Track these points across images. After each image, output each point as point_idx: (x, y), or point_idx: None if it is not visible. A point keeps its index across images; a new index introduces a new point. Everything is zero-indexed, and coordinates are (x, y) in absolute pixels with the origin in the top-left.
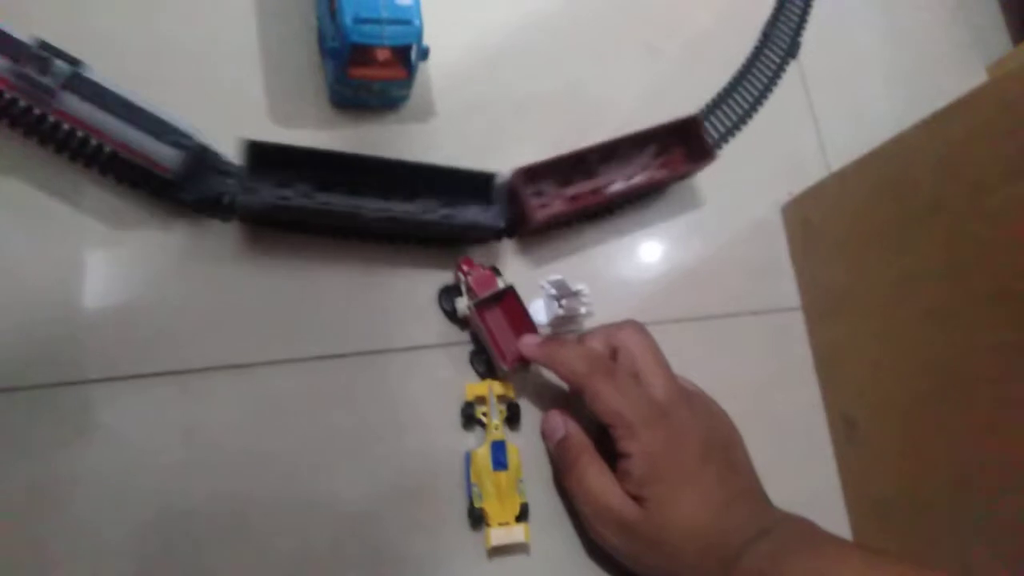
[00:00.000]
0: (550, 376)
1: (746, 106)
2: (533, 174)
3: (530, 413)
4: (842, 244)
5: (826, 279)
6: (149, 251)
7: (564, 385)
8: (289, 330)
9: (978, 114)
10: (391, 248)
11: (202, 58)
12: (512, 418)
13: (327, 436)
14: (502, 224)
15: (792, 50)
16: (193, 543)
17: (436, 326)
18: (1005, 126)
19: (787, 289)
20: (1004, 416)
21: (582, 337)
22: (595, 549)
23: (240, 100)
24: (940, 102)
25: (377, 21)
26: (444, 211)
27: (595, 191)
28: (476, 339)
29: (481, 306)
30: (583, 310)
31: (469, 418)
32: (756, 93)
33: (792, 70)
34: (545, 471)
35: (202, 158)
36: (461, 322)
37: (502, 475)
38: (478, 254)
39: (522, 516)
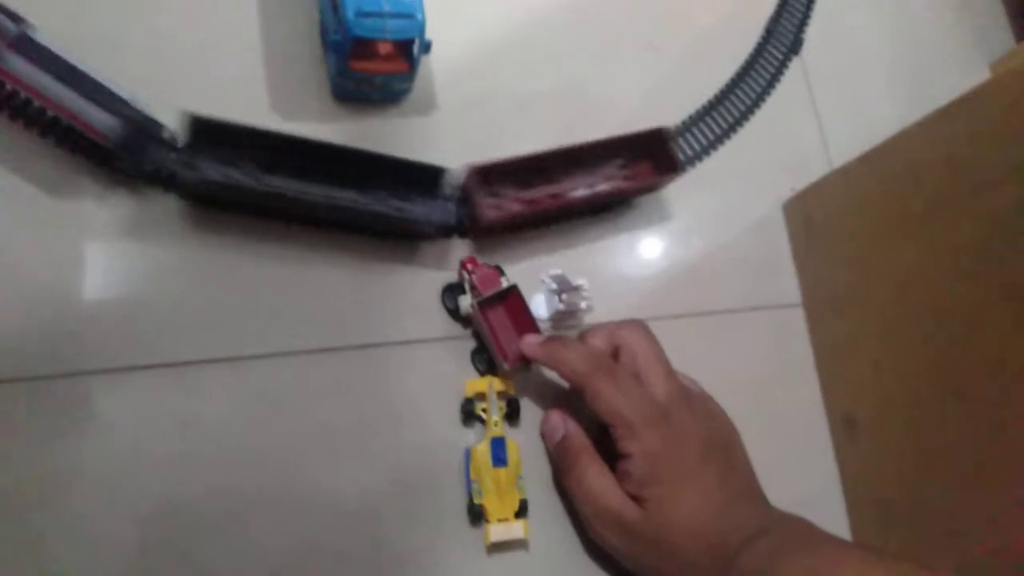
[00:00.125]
0: (551, 374)
1: (749, 102)
2: (488, 174)
3: (530, 409)
4: (844, 241)
5: (828, 276)
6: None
7: (564, 383)
8: (287, 323)
9: (981, 111)
10: (390, 241)
11: (204, 52)
12: (512, 414)
13: (325, 430)
14: (451, 221)
15: (795, 46)
16: (190, 535)
17: (435, 320)
18: (1009, 123)
19: (788, 286)
20: (1005, 415)
21: (585, 333)
22: (594, 546)
23: (242, 93)
24: (943, 99)
25: (379, 15)
26: (395, 203)
27: (555, 196)
28: (478, 337)
29: (484, 305)
30: (584, 305)
31: (469, 414)
32: (759, 89)
33: (795, 67)
34: (544, 467)
35: (146, 129)
36: (464, 320)
37: (502, 471)
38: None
39: (521, 512)
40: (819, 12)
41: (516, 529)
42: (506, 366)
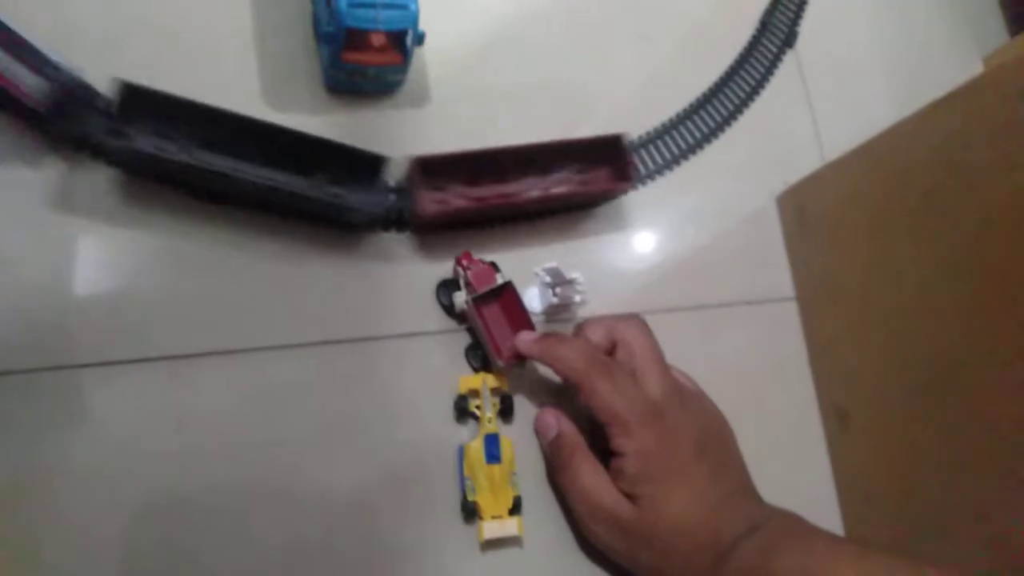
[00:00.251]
0: (544, 370)
1: (743, 95)
2: (430, 166)
3: (524, 406)
4: (837, 234)
5: (821, 269)
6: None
7: (558, 379)
8: (280, 316)
9: (975, 105)
10: (384, 235)
11: (196, 42)
12: (505, 411)
13: (319, 424)
14: (389, 212)
15: (789, 40)
16: (182, 529)
17: (428, 313)
18: (1002, 116)
19: (782, 279)
20: (998, 408)
21: (583, 326)
22: (588, 543)
23: (234, 84)
24: (936, 93)
25: (372, 5)
26: (333, 190)
27: (505, 195)
28: (473, 334)
29: (479, 301)
30: (578, 298)
31: (462, 411)
32: (753, 82)
33: (789, 60)
34: (538, 464)
35: (78, 94)
36: (458, 317)
37: (495, 468)
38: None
39: (515, 509)
40: (813, 5)
41: (510, 526)
42: (500, 363)
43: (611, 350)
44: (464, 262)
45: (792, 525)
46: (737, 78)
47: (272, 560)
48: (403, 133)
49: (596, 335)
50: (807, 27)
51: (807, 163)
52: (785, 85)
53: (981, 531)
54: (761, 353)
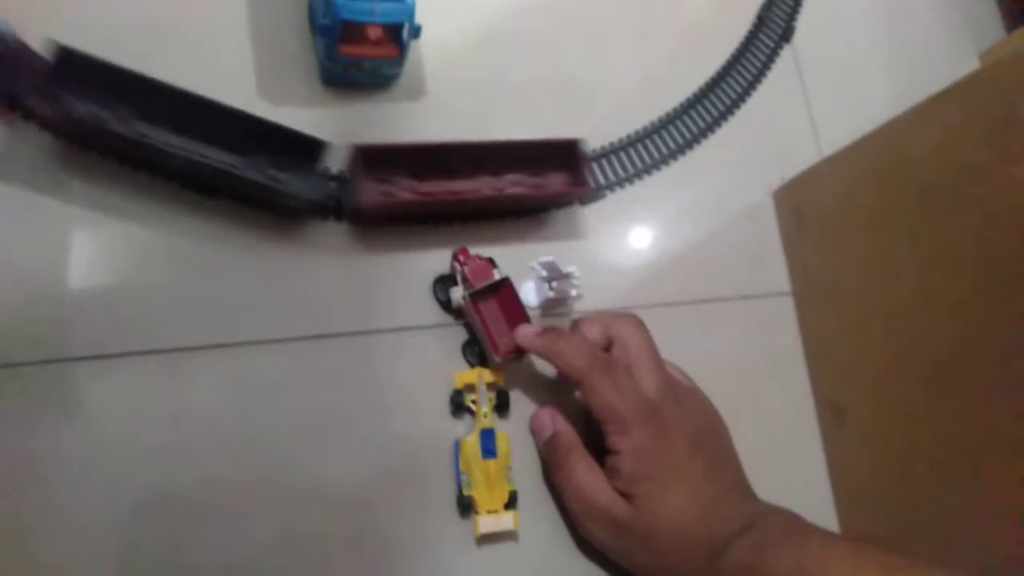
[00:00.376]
0: (540, 366)
1: (740, 90)
2: (374, 156)
3: (520, 401)
4: (834, 229)
5: (817, 265)
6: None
7: (554, 375)
8: (276, 309)
9: (972, 100)
10: (377, 227)
11: (192, 34)
12: (501, 406)
13: (315, 418)
14: (327, 199)
15: (786, 34)
16: (177, 523)
17: (424, 307)
18: (999, 112)
19: (778, 274)
20: (993, 403)
21: (579, 322)
22: (583, 538)
23: (229, 76)
24: (933, 88)
25: None
26: (273, 172)
27: (454, 193)
28: (469, 329)
29: (476, 297)
30: (574, 293)
31: (458, 406)
32: (750, 78)
33: (786, 55)
34: (534, 459)
35: (11, 56)
36: (455, 312)
37: (491, 463)
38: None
39: (511, 504)
40: (810, 1)
41: (505, 521)
42: (497, 358)
43: (607, 347)
44: (461, 257)
45: (787, 523)
46: (734, 73)
47: (267, 554)
48: (399, 127)
49: (592, 332)
50: (804, 22)
51: (804, 158)
52: (782, 80)
53: (976, 528)
54: (757, 348)
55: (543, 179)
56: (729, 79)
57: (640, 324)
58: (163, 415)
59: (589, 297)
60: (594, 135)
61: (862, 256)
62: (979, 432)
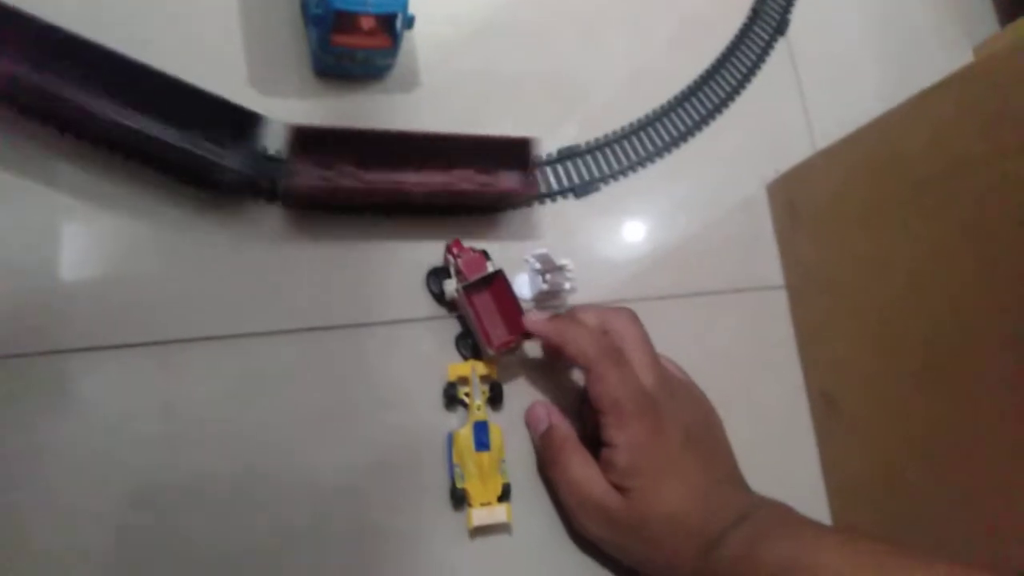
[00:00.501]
0: (534, 358)
1: (734, 83)
2: (312, 138)
3: (513, 394)
4: (827, 222)
5: (810, 257)
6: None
7: (548, 368)
8: (268, 302)
9: (965, 94)
10: (371, 220)
11: (183, 24)
12: (495, 398)
13: (308, 410)
14: (252, 174)
15: (781, 27)
16: (170, 515)
17: (417, 300)
18: (993, 105)
19: (771, 267)
20: (986, 396)
21: (574, 311)
22: (577, 531)
23: (221, 67)
24: (927, 82)
25: None
26: (207, 145)
27: (398, 184)
28: (463, 322)
29: (469, 289)
30: (567, 285)
31: (452, 399)
32: (744, 70)
33: (781, 47)
34: (528, 452)
35: None
36: (449, 305)
37: (484, 455)
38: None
39: (504, 496)
40: None
41: (499, 513)
42: (491, 351)
43: None
44: (455, 250)
45: (780, 514)
46: (728, 66)
47: (260, 545)
48: (392, 118)
49: (588, 322)
50: (798, 15)
51: (798, 151)
52: (776, 73)
53: (968, 520)
54: (750, 341)
55: (493, 177)
56: (723, 72)
57: (635, 318)
58: (156, 406)
59: (583, 290)
60: (588, 127)
61: (855, 249)
62: (971, 424)
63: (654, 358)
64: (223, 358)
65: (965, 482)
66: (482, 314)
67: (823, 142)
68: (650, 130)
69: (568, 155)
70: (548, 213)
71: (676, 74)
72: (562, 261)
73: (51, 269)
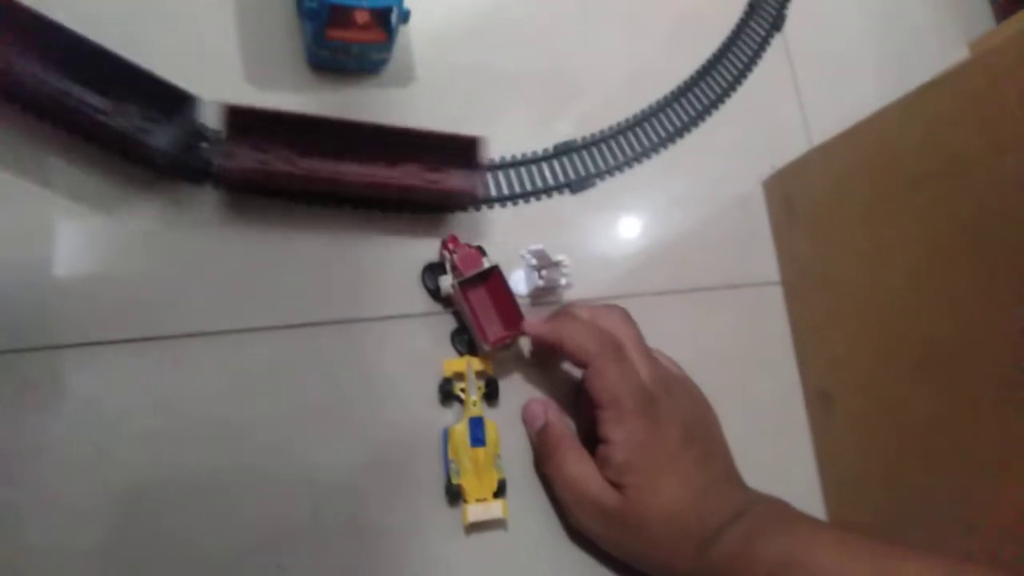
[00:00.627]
0: (529, 354)
1: (730, 78)
2: (245, 120)
3: (509, 390)
4: (823, 218)
5: (806, 253)
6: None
7: (544, 364)
8: (264, 297)
9: (961, 90)
10: (367, 215)
11: (177, 17)
12: (490, 394)
13: (303, 406)
14: (180, 153)
15: (777, 23)
16: (166, 511)
17: (413, 295)
18: (990, 100)
19: (767, 264)
20: (982, 393)
21: (566, 309)
22: (573, 526)
23: (215, 61)
24: (923, 78)
25: None
26: (141, 124)
27: (338, 174)
28: (458, 318)
29: (465, 285)
30: (563, 281)
31: (447, 394)
32: (741, 66)
33: (777, 43)
34: (523, 447)
35: None
36: (444, 301)
37: (480, 451)
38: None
39: (500, 492)
40: None
41: (494, 509)
42: (486, 346)
43: None
44: (450, 246)
45: (777, 511)
46: (725, 61)
47: (256, 541)
48: (388, 112)
49: (583, 319)
50: (795, 10)
51: (795, 147)
52: (773, 68)
53: (963, 517)
54: (746, 337)
55: (441, 175)
56: (720, 67)
57: (627, 316)
58: (152, 402)
59: (579, 285)
60: (584, 122)
61: (852, 245)
62: (967, 421)
63: (650, 357)
64: (219, 354)
65: (961, 479)
66: (478, 310)
67: (819, 138)
68: (646, 126)
69: (564, 150)
70: (544, 209)
71: (672, 69)
72: (558, 257)
73: (43, 261)
